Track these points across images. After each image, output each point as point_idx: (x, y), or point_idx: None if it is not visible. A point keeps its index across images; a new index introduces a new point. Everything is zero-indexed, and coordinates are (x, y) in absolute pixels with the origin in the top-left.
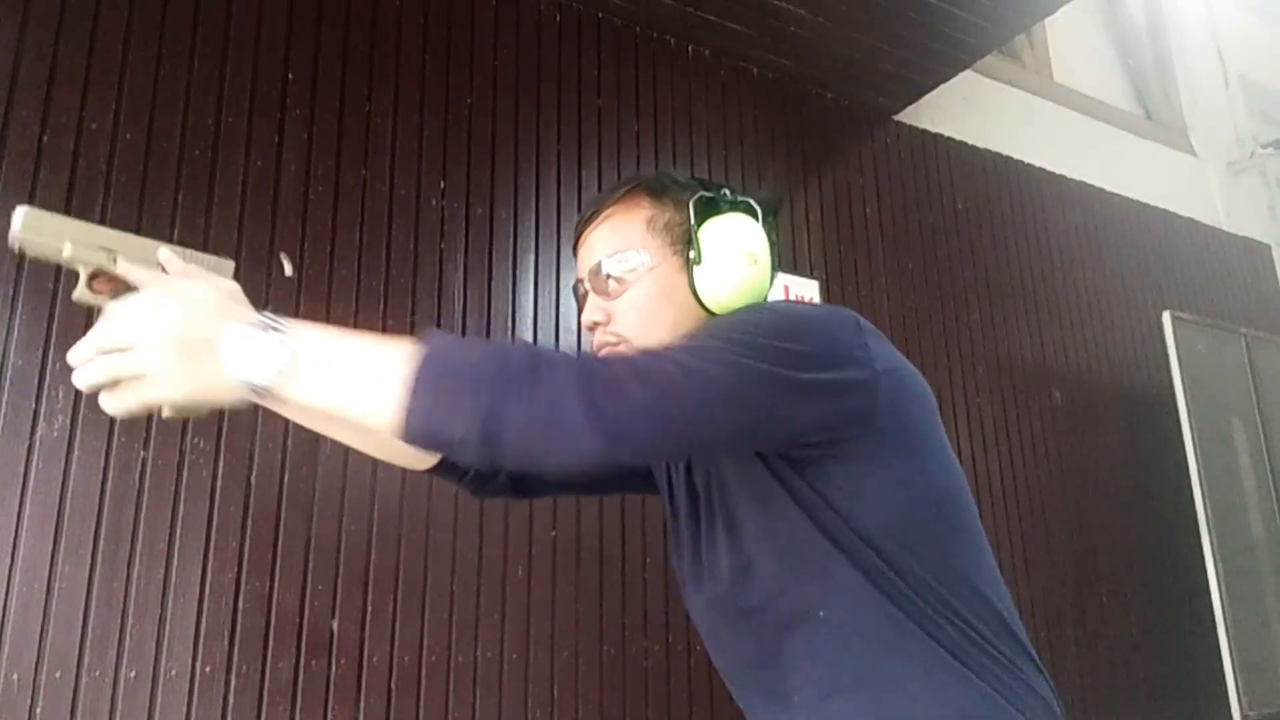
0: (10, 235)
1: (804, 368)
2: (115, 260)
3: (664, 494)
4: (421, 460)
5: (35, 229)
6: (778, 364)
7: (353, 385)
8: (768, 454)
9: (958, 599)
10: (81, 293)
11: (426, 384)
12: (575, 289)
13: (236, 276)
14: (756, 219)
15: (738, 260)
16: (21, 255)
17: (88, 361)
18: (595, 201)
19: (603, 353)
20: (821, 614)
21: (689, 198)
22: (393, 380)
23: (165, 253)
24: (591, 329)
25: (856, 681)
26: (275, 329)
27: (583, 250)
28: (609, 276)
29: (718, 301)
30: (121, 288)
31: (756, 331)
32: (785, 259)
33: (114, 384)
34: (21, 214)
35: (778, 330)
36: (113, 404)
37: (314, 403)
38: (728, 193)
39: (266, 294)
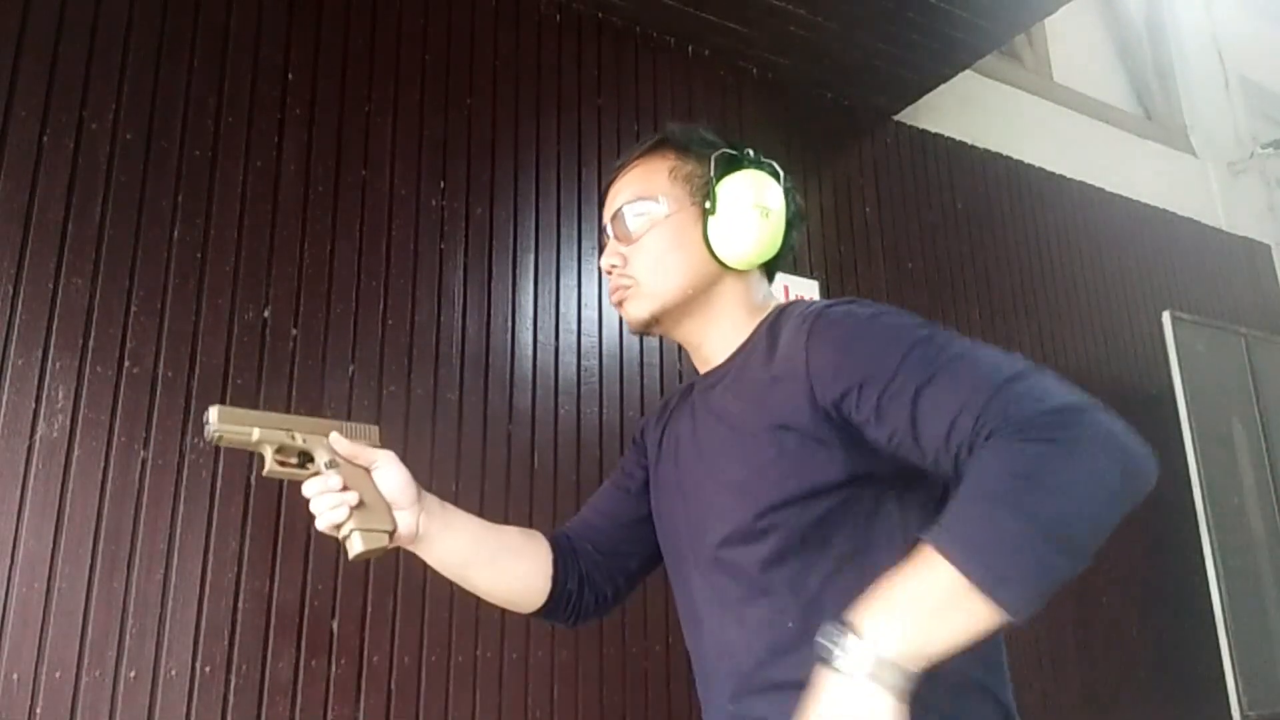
0: (206, 430)
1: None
2: (294, 436)
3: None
4: (530, 608)
5: (228, 421)
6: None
7: (948, 627)
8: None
9: None
10: (271, 468)
11: (996, 574)
12: (599, 236)
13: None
14: (778, 181)
15: (750, 213)
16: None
17: None
18: (626, 154)
19: (615, 296)
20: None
21: (712, 152)
22: (970, 598)
23: (335, 436)
24: (609, 272)
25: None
26: (873, 677)
27: (609, 198)
28: (628, 223)
29: (728, 253)
30: (302, 458)
31: (928, 329)
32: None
33: None
34: (215, 411)
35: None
36: None
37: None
38: (751, 152)
39: (266, 294)
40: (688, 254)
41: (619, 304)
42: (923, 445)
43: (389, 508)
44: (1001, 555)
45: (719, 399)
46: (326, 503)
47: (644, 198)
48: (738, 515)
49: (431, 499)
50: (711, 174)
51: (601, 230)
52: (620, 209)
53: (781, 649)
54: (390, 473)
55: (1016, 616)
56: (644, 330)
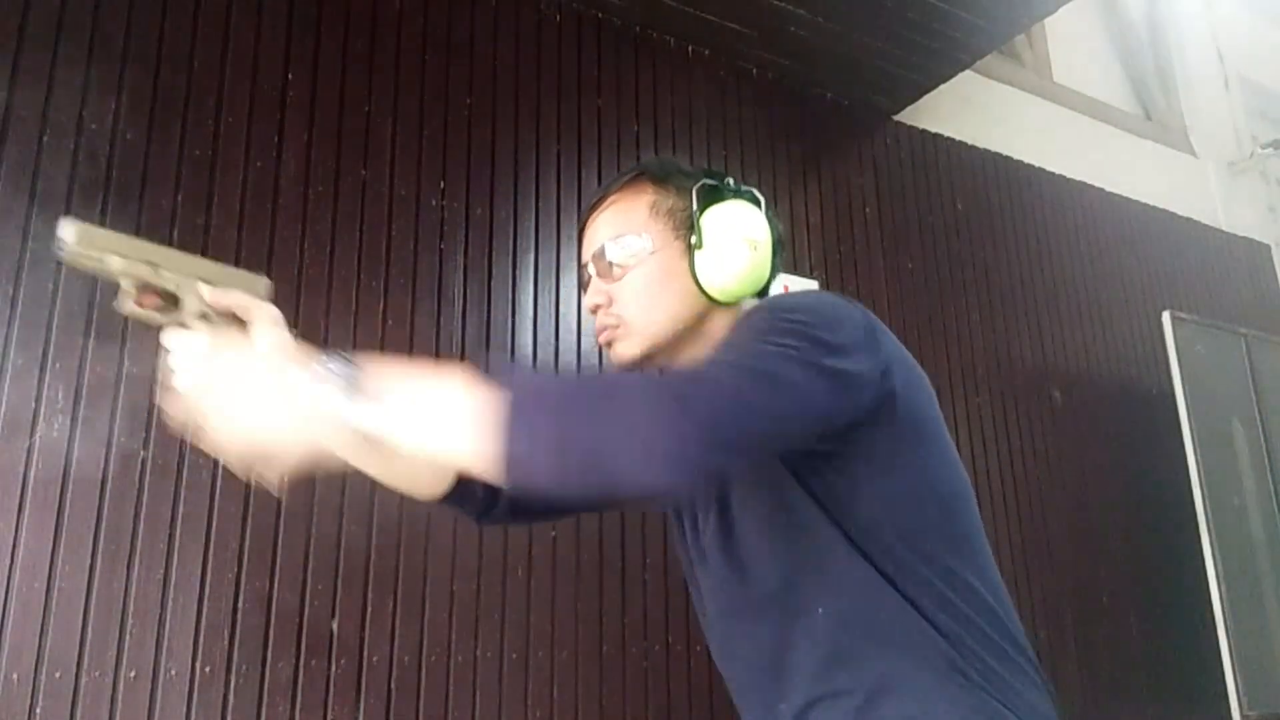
0: (59, 248)
1: (832, 355)
2: (160, 273)
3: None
4: (432, 493)
5: (84, 243)
6: (810, 352)
7: (434, 425)
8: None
9: (959, 599)
10: (127, 306)
11: (520, 432)
12: (580, 274)
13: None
14: (760, 208)
15: (739, 246)
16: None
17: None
18: (601, 188)
19: (603, 336)
20: (821, 610)
21: (692, 184)
22: (480, 425)
23: (205, 286)
24: (594, 311)
25: (849, 687)
26: (349, 369)
27: (587, 235)
28: (611, 260)
29: (717, 287)
30: (166, 301)
31: (787, 321)
32: (785, 259)
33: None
34: (71, 228)
35: (806, 320)
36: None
37: (395, 439)
38: (731, 181)
39: None
40: (676, 290)
41: (607, 344)
42: None
43: None
44: (525, 433)
45: None
46: (188, 367)
47: (626, 234)
48: None
49: None
50: (694, 207)
51: (581, 268)
52: (602, 246)
53: None
54: (267, 335)
55: (497, 477)
56: (632, 368)
